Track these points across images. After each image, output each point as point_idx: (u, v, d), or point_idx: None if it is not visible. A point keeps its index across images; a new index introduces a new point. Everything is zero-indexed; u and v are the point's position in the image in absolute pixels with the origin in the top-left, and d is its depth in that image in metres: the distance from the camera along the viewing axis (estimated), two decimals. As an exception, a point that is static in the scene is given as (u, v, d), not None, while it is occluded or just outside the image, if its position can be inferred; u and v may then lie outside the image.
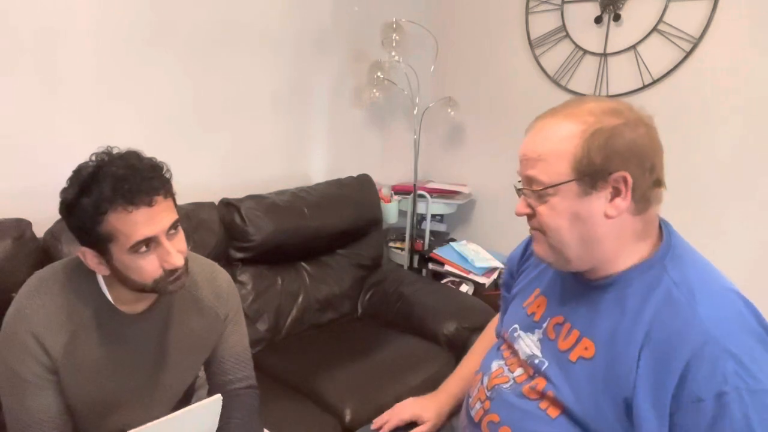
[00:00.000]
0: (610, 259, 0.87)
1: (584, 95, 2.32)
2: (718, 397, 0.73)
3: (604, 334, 0.85)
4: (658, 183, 0.85)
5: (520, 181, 0.92)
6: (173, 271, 0.96)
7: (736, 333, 0.77)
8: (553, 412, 0.88)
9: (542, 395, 0.90)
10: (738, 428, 0.73)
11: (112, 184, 0.89)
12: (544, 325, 0.96)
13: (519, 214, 0.91)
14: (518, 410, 0.92)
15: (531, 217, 0.90)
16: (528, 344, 0.97)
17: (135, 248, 0.92)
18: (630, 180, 0.81)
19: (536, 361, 0.94)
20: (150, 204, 0.91)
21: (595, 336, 0.86)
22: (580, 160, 0.82)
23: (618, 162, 0.81)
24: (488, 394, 0.99)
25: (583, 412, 0.84)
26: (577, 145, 0.82)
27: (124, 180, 0.89)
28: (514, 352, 1.00)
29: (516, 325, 1.03)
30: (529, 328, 1.00)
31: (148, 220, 0.91)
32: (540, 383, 0.91)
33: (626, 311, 0.84)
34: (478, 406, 1.00)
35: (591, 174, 0.82)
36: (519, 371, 0.97)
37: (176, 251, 0.96)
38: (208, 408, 0.96)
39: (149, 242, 0.93)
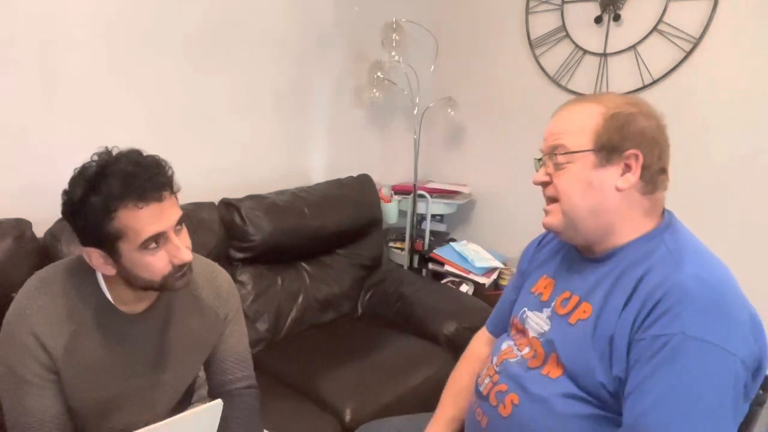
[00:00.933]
0: (615, 232, 0.94)
1: (586, 94, 2.34)
2: (655, 338, 0.81)
3: (601, 296, 0.92)
4: (664, 171, 0.94)
5: (539, 158, 1.01)
6: (181, 266, 0.97)
7: (710, 290, 0.82)
8: (555, 373, 0.94)
9: (545, 360, 0.97)
10: (667, 366, 0.79)
11: (121, 181, 0.89)
12: (553, 303, 1.01)
13: (536, 183, 1.00)
14: (523, 378, 0.98)
15: (547, 185, 0.98)
16: (537, 322, 1.03)
17: (145, 245, 0.92)
18: (641, 158, 0.90)
19: (545, 335, 0.99)
20: (159, 199, 0.92)
21: (594, 300, 0.93)
22: (600, 134, 0.92)
23: (632, 142, 0.91)
24: (497, 369, 1.05)
25: (574, 367, 0.91)
26: (599, 122, 0.92)
27: (133, 177, 0.89)
28: (524, 334, 1.05)
29: (525, 308, 1.08)
30: (536, 307, 1.05)
31: (157, 216, 0.92)
32: (543, 350, 0.98)
33: (623, 275, 0.91)
34: (487, 381, 1.06)
35: (608, 149, 0.91)
36: (527, 349, 1.02)
37: (184, 246, 0.96)
38: (208, 412, 0.95)
39: (158, 238, 0.93)
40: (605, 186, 0.92)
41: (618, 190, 0.91)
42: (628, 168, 0.91)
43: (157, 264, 0.94)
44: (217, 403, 0.95)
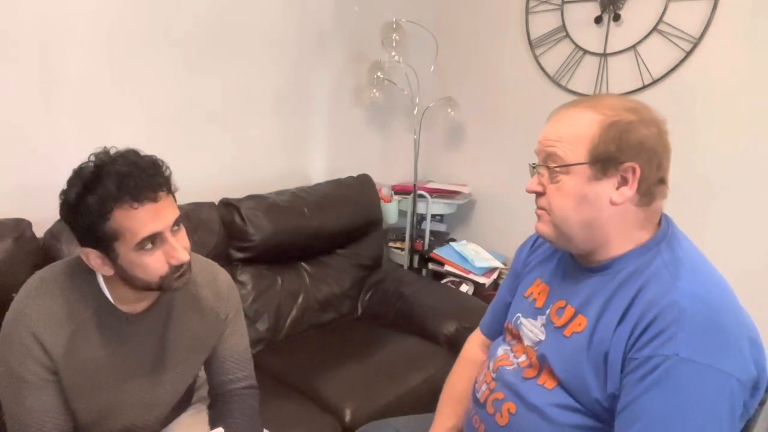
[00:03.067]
0: (609, 244, 0.92)
1: (588, 95, 2.34)
2: (648, 359, 0.79)
3: (596, 310, 0.90)
4: (663, 181, 0.90)
5: (535, 164, 0.96)
6: (179, 267, 0.97)
7: (706, 309, 0.80)
8: (550, 384, 0.93)
9: (540, 371, 0.96)
10: (660, 388, 0.77)
11: (116, 181, 0.89)
12: (548, 311, 1.00)
13: (529, 191, 0.96)
14: (519, 387, 0.97)
15: (540, 195, 0.95)
16: (532, 330, 1.01)
17: (141, 245, 0.92)
18: (638, 171, 0.87)
19: (540, 347, 0.98)
20: (155, 200, 0.91)
21: (589, 313, 0.91)
22: (596, 146, 0.88)
23: (629, 154, 0.87)
24: (493, 375, 1.04)
25: (569, 381, 0.90)
26: (595, 132, 0.88)
27: (128, 177, 0.89)
28: (519, 340, 1.04)
29: (519, 314, 1.07)
30: (531, 314, 1.04)
31: (154, 216, 0.92)
32: (538, 361, 0.97)
33: (618, 290, 0.89)
34: (483, 387, 1.05)
35: (604, 161, 0.87)
36: (523, 357, 1.01)
37: (181, 247, 0.96)
38: None
39: (155, 239, 0.93)
40: (600, 199, 0.88)
41: (612, 203, 0.88)
42: (624, 181, 0.87)
43: (153, 264, 0.94)
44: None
